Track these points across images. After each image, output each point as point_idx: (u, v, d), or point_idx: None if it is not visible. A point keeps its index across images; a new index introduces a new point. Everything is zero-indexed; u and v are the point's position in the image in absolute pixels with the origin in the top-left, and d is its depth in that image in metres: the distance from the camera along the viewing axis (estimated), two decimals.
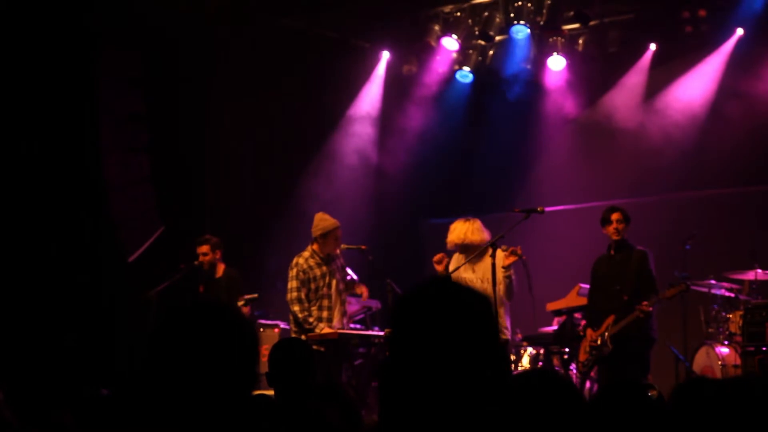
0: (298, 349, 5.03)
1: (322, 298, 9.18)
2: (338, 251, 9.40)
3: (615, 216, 8.95)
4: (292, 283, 9.17)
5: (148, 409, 2.34)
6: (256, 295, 9.94)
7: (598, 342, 8.85)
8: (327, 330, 9.02)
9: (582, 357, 9.07)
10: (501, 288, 8.40)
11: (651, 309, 8.55)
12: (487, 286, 8.36)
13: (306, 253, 9.24)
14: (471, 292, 2.33)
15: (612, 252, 9.12)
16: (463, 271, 8.75)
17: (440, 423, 2.21)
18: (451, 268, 8.84)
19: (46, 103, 10.24)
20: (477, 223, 8.87)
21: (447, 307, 2.27)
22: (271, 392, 4.98)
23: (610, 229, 8.99)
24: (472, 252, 8.74)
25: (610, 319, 8.81)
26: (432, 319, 2.26)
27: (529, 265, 8.49)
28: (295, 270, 9.17)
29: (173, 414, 2.27)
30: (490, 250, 8.44)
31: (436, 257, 8.89)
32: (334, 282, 9.23)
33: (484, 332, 2.27)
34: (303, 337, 8.99)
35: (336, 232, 9.20)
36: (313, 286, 9.16)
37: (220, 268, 10.26)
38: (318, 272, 9.19)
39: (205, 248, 10.14)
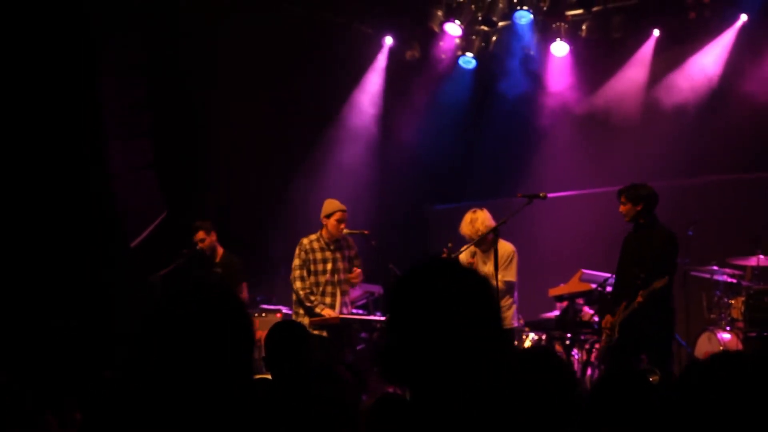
0: (294, 333, 5.01)
1: (326, 284, 9.23)
2: (350, 241, 9.44)
3: (619, 203, 8.57)
4: (295, 262, 9.26)
5: (149, 394, 2.33)
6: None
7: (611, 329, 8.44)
8: (328, 312, 9.05)
9: (602, 344, 8.72)
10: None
11: (643, 300, 8.09)
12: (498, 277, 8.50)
13: (313, 236, 9.33)
14: (469, 272, 2.32)
15: (634, 231, 8.60)
16: (480, 265, 8.86)
17: (442, 404, 2.22)
18: (461, 259, 8.94)
19: (49, 90, 10.24)
20: (476, 214, 8.98)
21: (444, 287, 2.26)
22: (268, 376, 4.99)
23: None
24: (482, 244, 8.86)
25: (622, 306, 8.39)
26: (429, 299, 2.25)
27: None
28: (298, 249, 9.28)
29: (170, 400, 2.26)
30: (500, 243, 8.59)
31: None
32: (331, 267, 9.25)
33: (482, 312, 2.27)
34: (307, 320, 9.04)
35: (338, 215, 9.20)
36: (312, 268, 9.21)
37: (219, 253, 10.25)
38: (319, 255, 9.23)
39: (200, 234, 10.13)
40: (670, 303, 8.37)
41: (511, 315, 9.04)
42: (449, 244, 8.96)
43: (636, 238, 8.56)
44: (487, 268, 8.85)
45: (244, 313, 2.40)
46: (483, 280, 2.33)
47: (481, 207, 9.17)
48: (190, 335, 2.29)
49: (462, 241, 9.11)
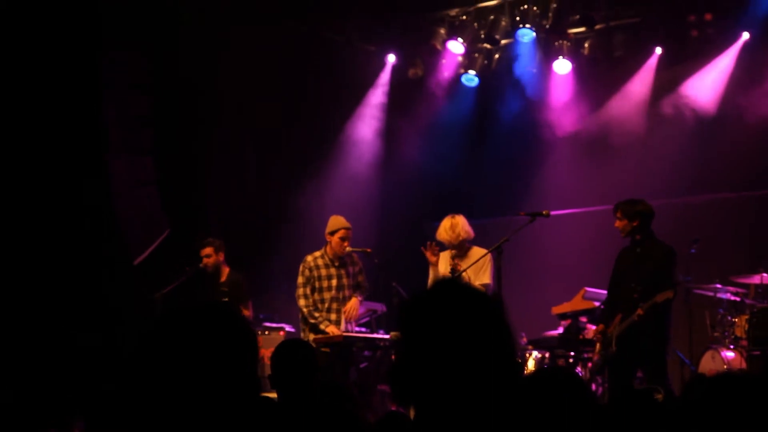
0: (301, 351, 5.01)
1: (331, 301, 9.23)
2: (355, 257, 9.45)
3: (615, 219, 8.58)
4: (299, 279, 9.32)
5: (152, 410, 2.31)
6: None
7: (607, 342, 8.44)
8: (332, 329, 9.05)
9: (594, 357, 8.78)
10: None
11: (643, 313, 8.05)
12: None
13: (318, 253, 9.35)
14: (481, 293, 2.32)
15: (632, 246, 8.59)
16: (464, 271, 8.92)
17: (448, 424, 2.21)
18: (440, 265, 8.98)
19: (53, 105, 10.26)
20: (455, 219, 9.04)
21: (457, 309, 2.26)
22: (274, 395, 4.98)
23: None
24: (459, 248, 8.92)
25: (617, 319, 8.39)
26: (443, 321, 2.24)
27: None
28: (302, 266, 9.32)
29: (173, 416, 2.24)
30: (474, 249, 8.67)
31: (430, 248, 9.00)
32: (336, 284, 9.25)
33: (495, 333, 2.26)
34: (311, 336, 9.04)
35: (341, 233, 9.21)
36: (317, 285, 9.23)
37: (225, 272, 10.23)
38: (324, 272, 9.25)
39: (208, 250, 10.12)
40: (668, 318, 8.33)
41: None
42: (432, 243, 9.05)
43: (632, 252, 8.54)
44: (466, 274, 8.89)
45: (246, 329, 2.39)
46: (495, 302, 2.32)
47: (459, 213, 9.25)
48: (191, 351, 2.26)
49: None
